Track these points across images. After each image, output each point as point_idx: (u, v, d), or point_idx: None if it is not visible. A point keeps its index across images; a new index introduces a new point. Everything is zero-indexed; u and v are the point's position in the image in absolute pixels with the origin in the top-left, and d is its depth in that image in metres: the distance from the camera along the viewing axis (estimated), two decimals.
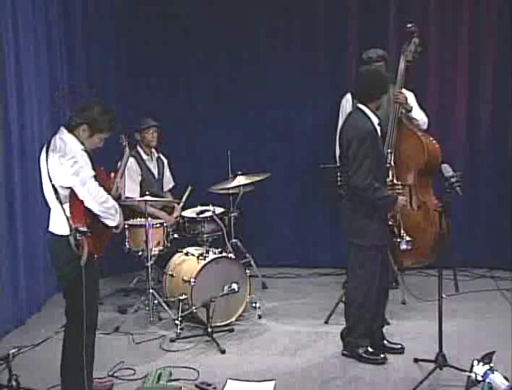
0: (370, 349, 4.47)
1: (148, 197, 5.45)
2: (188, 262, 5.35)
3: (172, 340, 4.91)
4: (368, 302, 4.42)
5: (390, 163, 5.06)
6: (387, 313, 4.79)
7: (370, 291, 4.41)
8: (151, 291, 5.35)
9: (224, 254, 5.33)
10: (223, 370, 4.39)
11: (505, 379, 3.63)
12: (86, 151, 3.74)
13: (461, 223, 6.30)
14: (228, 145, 6.32)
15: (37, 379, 4.18)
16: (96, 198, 3.67)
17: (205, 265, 5.13)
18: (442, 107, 6.45)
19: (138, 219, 5.59)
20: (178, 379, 4.25)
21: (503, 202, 6.40)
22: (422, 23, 5.92)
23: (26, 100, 5.36)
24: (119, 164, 5.95)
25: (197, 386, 4.16)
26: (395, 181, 4.85)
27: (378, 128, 4.38)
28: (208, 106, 6.89)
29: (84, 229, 3.63)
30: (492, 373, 3.61)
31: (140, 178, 6.08)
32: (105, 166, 3.94)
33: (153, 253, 5.50)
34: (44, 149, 3.77)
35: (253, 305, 5.40)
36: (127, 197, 5.73)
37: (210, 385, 4.13)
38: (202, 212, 5.83)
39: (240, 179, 5.97)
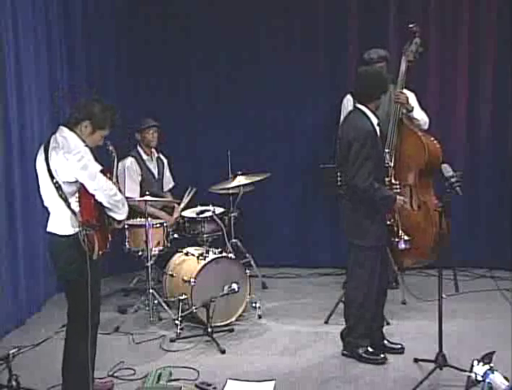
0: (370, 349, 4.47)
1: (148, 197, 5.46)
2: (188, 262, 5.35)
3: (172, 340, 4.92)
4: (368, 302, 4.42)
5: (389, 164, 5.06)
6: (387, 313, 4.80)
7: (370, 291, 4.41)
8: (151, 291, 5.36)
9: (224, 254, 5.34)
10: (223, 370, 4.39)
11: (505, 379, 3.63)
12: (89, 147, 3.75)
13: (461, 223, 6.30)
14: (228, 145, 6.32)
15: (37, 379, 4.18)
16: (106, 191, 3.69)
17: (205, 265, 5.13)
18: (442, 107, 6.45)
19: (138, 219, 5.59)
20: (178, 379, 4.25)
21: (503, 202, 6.40)
22: (422, 23, 5.90)
23: (26, 100, 5.36)
24: (119, 165, 6.00)
25: (197, 386, 4.16)
26: (393, 181, 4.84)
27: (377, 128, 4.38)
28: (208, 106, 6.89)
29: (94, 223, 3.64)
30: (492, 373, 3.61)
31: (140, 178, 6.08)
32: (105, 166, 3.94)
33: (153, 253, 5.50)
34: (41, 149, 3.75)
35: (253, 305, 5.40)
36: (127, 197, 5.72)
37: (210, 385, 4.14)
38: (202, 212, 5.83)
39: (240, 179, 5.97)
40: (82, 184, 3.67)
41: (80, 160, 3.63)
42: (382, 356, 4.44)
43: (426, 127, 5.58)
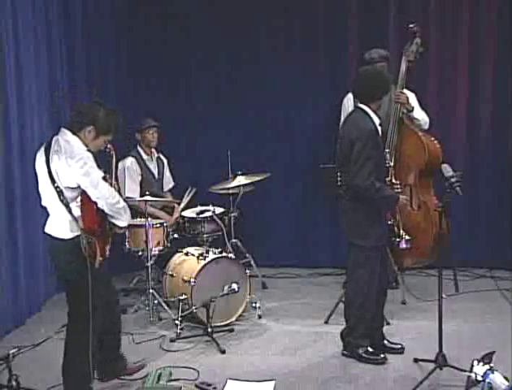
0: (370, 349, 4.47)
1: (148, 197, 5.46)
2: (188, 262, 5.35)
3: (172, 340, 4.92)
4: (368, 302, 4.42)
5: (389, 163, 5.06)
6: (387, 313, 4.80)
7: (371, 291, 4.41)
8: (151, 291, 5.36)
9: (224, 254, 5.34)
10: (223, 370, 4.39)
11: (505, 379, 3.63)
12: (91, 152, 3.74)
13: (461, 223, 6.30)
14: (228, 145, 6.31)
15: (37, 379, 4.18)
16: (109, 199, 3.67)
17: (205, 265, 5.13)
18: (442, 107, 6.45)
19: (138, 219, 5.59)
20: (178, 379, 4.25)
21: (503, 202, 6.40)
22: (422, 23, 5.90)
23: (26, 100, 5.36)
24: (119, 165, 6.00)
25: (197, 386, 4.16)
26: (394, 181, 4.84)
27: (379, 128, 4.38)
28: (208, 106, 6.89)
29: (96, 230, 3.64)
30: (492, 373, 3.61)
31: (140, 178, 6.08)
32: (105, 166, 3.94)
33: (153, 253, 5.50)
34: (42, 151, 3.74)
35: (253, 305, 5.40)
36: (127, 197, 5.74)
37: (210, 385, 4.13)
38: (202, 212, 5.83)
39: (240, 179, 5.97)
40: (84, 191, 3.66)
41: (82, 166, 3.62)
42: (382, 356, 4.44)
43: (426, 127, 5.58)
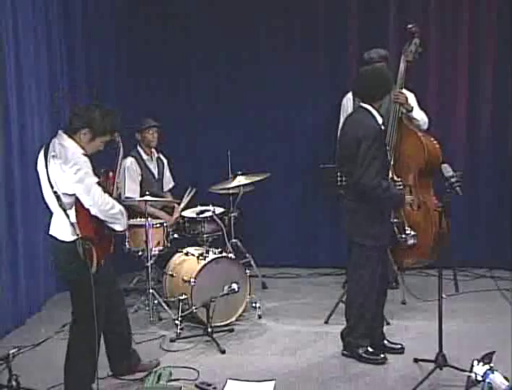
0: (370, 349, 4.47)
1: (148, 197, 5.46)
2: (188, 262, 5.35)
3: (172, 340, 4.92)
4: (368, 302, 4.42)
5: (389, 161, 5.05)
6: (387, 313, 4.80)
7: (371, 291, 4.40)
8: (151, 291, 5.36)
9: (224, 254, 5.34)
10: (223, 370, 4.39)
11: (505, 379, 3.63)
12: (87, 156, 3.72)
13: (461, 223, 6.30)
14: (228, 145, 6.31)
15: (37, 379, 4.18)
16: (102, 206, 3.64)
17: (205, 265, 5.13)
18: (442, 107, 6.44)
19: (138, 219, 5.59)
20: (178, 379, 4.25)
21: (503, 202, 6.40)
22: (422, 24, 5.91)
23: (26, 100, 5.36)
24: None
25: (197, 386, 4.16)
26: (395, 178, 4.84)
27: (382, 127, 4.38)
28: (208, 106, 6.89)
29: (92, 237, 3.62)
30: (492, 373, 3.61)
31: (140, 178, 6.08)
32: (105, 166, 3.94)
33: (153, 253, 5.50)
34: (42, 153, 3.74)
35: (253, 305, 5.40)
36: (127, 197, 5.74)
37: (210, 385, 4.13)
38: (202, 212, 5.83)
39: (240, 179, 5.97)
40: (77, 198, 3.64)
41: (75, 173, 3.60)
42: (382, 356, 4.44)
43: (425, 127, 5.58)
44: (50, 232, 3.81)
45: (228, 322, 5.17)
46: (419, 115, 5.55)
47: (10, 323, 5.12)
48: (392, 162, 5.11)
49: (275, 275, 6.60)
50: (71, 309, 3.93)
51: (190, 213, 5.94)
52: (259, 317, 5.37)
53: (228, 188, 6.07)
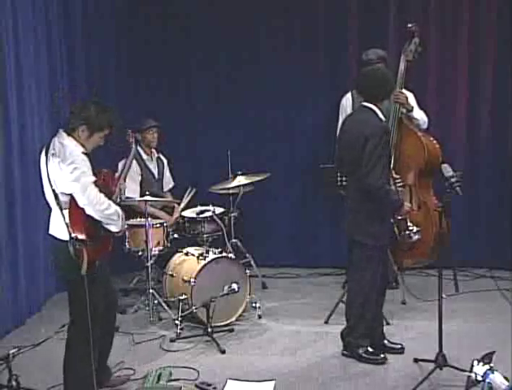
0: (370, 349, 4.46)
1: (148, 197, 5.46)
2: (188, 262, 5.35)
3: (172, 340, 4.92)
4: (369, 302, 4.41)
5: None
6: (387, 313, 4.80)
7: (371, 291, 4.40)
8: (151, 291, 5.36)
9: (224, 254, 5.34)
10: (223, 370, 4.39)
11: (505, 379, 3.63)
12: (87, 154, 3.73)
13: (461, 223, 6.30)
14: (228, 145, 6.31)
15: (37, 379, 4.18)
16: (96, 206, 3.63)
17: (205, 265, 5.13)
18: (442, 107, 6.44)
19: (138, 219, 5.59)
20: (178, 379, 4.25)
21: (503, 202, 6.40)
22: (422, 23, 5.91)
23: (26, 100, 5.36)
24: (119, 165, 5.99)
25: (197, 386, 4.16)
26: (395, 176, 4.81)
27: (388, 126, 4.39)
28: (208, 106, 6.89)
29: (83, 238, 3.61)
30: (492, 373, 3.61)
31: (140, 178, 6.09)
32: (105, 166, 3.94)
33: (153, 253, 5.50)
34: (43, 152, 3.75)
35: (253, 305, 5.40)
36: (127, 197, 5.72)
37: (210, 385, 4.13)
38: (202, 212, 5.83)
39: (240, 179, 5.97)
40: (72, 198, 3.64)
41: (72, 172, 3.60)
42: (382, 356, 4.44)
43: (425, 126, 5.58)
44: (50, 231, 3.81)
45: (228, 322, 5.17)
46: (419, 115, 5.55)
47: (10, 323, 5.12)
48: (392, 160, 5.10)
49: (275, 275, 6.60)
50: (69, 310, 3.92)
51: (190, 213, 5.94)
52: (259, 317, 5.37)
53: (228, 188, 6.07)
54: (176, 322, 5.01)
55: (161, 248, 5.62)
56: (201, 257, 5.23)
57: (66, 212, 3.67)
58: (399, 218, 4.70)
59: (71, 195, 3.64)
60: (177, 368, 4.40)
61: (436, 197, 5.32)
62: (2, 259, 5.02)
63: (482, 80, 6.40)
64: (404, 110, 5.45)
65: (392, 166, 4.91)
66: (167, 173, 6.40)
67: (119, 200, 3.94)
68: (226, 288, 4.98)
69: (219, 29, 6.73)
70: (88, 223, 3.66)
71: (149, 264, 5.39)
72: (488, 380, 3.59)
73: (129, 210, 5.62)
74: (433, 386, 4.02)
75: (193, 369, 4.39)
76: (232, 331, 5.10)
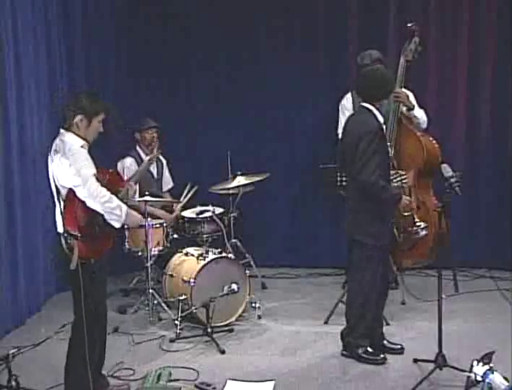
0: (369, 349, 4.46)
1: (148, 198, 5.45)
2: (187, 263, 5.35)
3: (172, 341, 4.91)
4: (369, 302, 4.41)
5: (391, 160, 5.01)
6: (386, 313, 4.80)
7: (372, 291, 4.40)
8: (151, 291, 5.36)
9: (224, 254, 5.33)
10: (222, 371, 4.39)
11: (505, 379, 3.62)
12: (87, 148, 3.75)
13: (461, 223, 6.30)
14: (228, 145, 6.31)
15: (37, 379, 4.18)
16: (97, 198, 3.64)
17: (204, 265, 5.13)
18: (442, 107, 6.44)
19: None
20: (178, 379, 4.25)
21: (503, 202, 6.40)
22: (422, 23, 5.91)
23: (25, 100, 5.36)
24: (118, 165, 6.00)
25: (196, 386, 4.16)
26: (400, 172, 4.79)
27: (384, 127, 4.38)
28: (208, 106, 6.89)
29: (75, 233, 3.62)
30: (492, 373, 3.61)
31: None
32: (105, 165, 3.94)
33: (152, 253, 5.50)
34: (49, 153, 3.80)
35: (253, 305, 5.40)
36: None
37: (209, 385, 4.13)
38: (202, 212, 5.83)
39: (240, 180, 5.97)
40: (71, 192, 3.64)
41: (72, 165, 3.63)
42: (382, 356, 4.44)
43: (425, 126, 5.58)
44: (58, 230, 3.82)
45: (228, 322, 5.17)
46: (420, 114, 5.55)
47: (10, 323, 5.12)
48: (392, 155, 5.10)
49: (275, 275, 6.60)
50: (70, 310, 3.91)
51: (190, 213, 5.94)
52: (259, 317, 5.36)
53: (228, 189, 6.07)
54: (176, 322, 5.01)
55: (161, 248, 5.62)
56: (200, 258, 5.23)
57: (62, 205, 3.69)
58: (405, 214, 4.69)
59: (69, 189, 3.65)
60: (177, 368, 4.40)
61: (436, 197, 5.32)
62: (2, 259, 5.02)
63: (482, 80, 6.40)
64: (404, 109, 5.44)
65: (392, 160, 4.91)
66: (166, 173, 6.40)
67: (125, 201, 3.93)
68: (226, 288, 4.99)
69: (219, 29, 6.73)
70: (83, 218, 3.67)
71: (148, 264, 5.39)
72: (487, 380, 3.59)
73: None
74: (433, 386, 4.02)
75: (193, 369, 4.39)
76: (231, 331, 5.10)
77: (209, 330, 4.85)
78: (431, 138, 5.49)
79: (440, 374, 4.04)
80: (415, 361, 4.37)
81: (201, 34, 6.75)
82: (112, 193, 3.73)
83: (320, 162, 5.73)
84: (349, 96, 5.85)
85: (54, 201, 3.83)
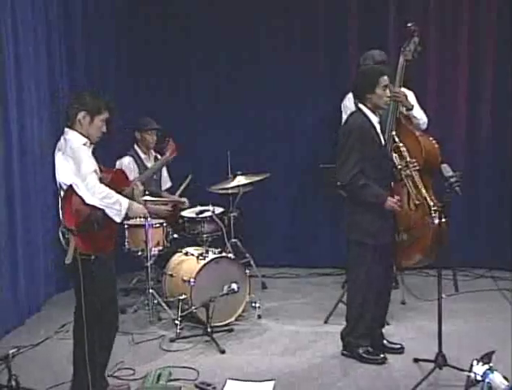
0: (370, 349, 4.46)
1: (148, 198, 5.45)
2: (187, 262, 5.35)
3: (172, 340, 4.92)
4: (367, 302, 4.41)
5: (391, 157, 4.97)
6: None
7: (369, 291, 4.40)
8: (151, 291, 5.36)
9: (224, 254, 5.34)
10: (222, 370, 4.39)
11: (505, 378, 3.62)
12: (90, 145, 3.78)
13: (461, 223, 6.30)
14: (228, 145, 6.31)
15: (37, 379, 4.18)
16: (95, 194, 3.65)
17: (204, 265, 5.13)
18: (442, 107, 6.44)
19: (138, 219, 5.58)
20: (178, 379, 4.25)
21: (503, 202, 6.40)
22: (422, 23, 5.91)
23: (26, 100, 5.36)
24: (117, 163, 6.01)
25: (196, 386, 4.16)
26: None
27: (377, 127, 4.37)
28: (208, 106, 6.89)
29: (72, 228, 3.63)
30: (492, 373, 3.60)
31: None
32: (104, 165, 3.95)
33: (152, 253, 5.49)
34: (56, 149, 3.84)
35: (253, 305, 5.40)
36: None
37: (209, 385, 4.13)
38: (202, 212, 5.83)
39: (240, 179, 5.97)
40: (70, 188, 3.65)
41: (72, 162, 3.66)
42: (382, 356, 4.44)
43: (424, 126, 5.56)
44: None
45: (228, 322, 5.17)
46: (419, 114, 5.53)
47: (9, 323, 5.12)
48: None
49: (275, 275, 6.60)
50: (70, 310, 3.92)
51: (190, 213, 5.94)
52: (259, 317, 5.36)
53: (228, 188, 6.07)
54: (176, 322, 5.01)
55: (160, 248, 5.61)
56: (200, 257, 5.23)
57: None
58: (417, 202, 4.66)
59: (69, 185, 3.66)
60: (177, 368, 4.40)
61: (436, 197, 5.31)
62: (2, 259, 5.02)
63: (482, 80, 6.40)
64: (404, 109, 5.43)
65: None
66: (164, 173, 6.40)
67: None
68: (225, 287, 4.98)
69: (219, 29, 6.74)
70: (81, 214, 3.67)
71: (148, 264, 5.39)
72: (487, 380, 3.59)
73: None
74: (433, 386, 4.02)
75: (193, 369, 4.39)
76: (231, 331, 5.10)
77: (209, 330, 4.85)
78: (430, 138, 5.47)
79: (440, 373, 4.04)
80: (415, 360, 4.37)
81: (201, 34, 6.75)
82: (116, 192, 3.74)
83: (320, 162, 5.74)
84: (350, 96, 5.81)
85: (57, 199, 3.85)
